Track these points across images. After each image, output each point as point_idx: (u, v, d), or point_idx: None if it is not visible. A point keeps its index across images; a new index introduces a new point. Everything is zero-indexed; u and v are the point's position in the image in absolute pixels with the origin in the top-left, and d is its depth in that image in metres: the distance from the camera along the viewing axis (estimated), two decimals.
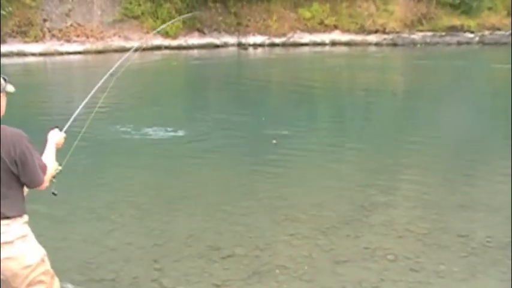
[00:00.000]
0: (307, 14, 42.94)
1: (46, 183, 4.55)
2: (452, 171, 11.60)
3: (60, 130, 5.17)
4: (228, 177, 11.10)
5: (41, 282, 4.60)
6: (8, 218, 4.38)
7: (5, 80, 4.47)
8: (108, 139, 13.63)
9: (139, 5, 40.16)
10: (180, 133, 14.60)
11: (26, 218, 4.57)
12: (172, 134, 14.49)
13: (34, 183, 4.43)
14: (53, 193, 4.92)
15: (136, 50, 7.55)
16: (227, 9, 41.79)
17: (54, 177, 4.85)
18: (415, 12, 45.37)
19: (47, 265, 4.70)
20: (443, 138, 14.52)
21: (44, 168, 4.48)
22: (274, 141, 13.33)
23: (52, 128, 5.12)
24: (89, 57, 36.00)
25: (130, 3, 39.97)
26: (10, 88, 4.50)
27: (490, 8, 47.44)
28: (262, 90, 23.33)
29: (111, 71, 6.29)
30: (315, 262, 7.10)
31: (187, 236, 7.98)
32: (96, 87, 5.68)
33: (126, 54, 6.77)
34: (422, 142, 13.65)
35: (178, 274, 6.82)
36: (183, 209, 9.18)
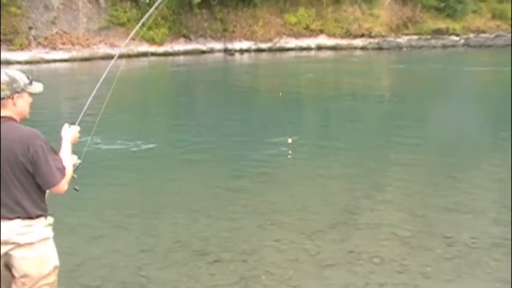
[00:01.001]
0: (293, 19, 43.10)
1: (65, 186, 4.40)
2: (437, 174, 11.63)
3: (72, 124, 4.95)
4: (213, 183, 11.07)
5: None
6: (30, 218, 4.34)
7: (28, 79, 4.48)
8: (91, 147, 13.60)
9: (125, 12, 40.20)
10: (165, 139, 14.60)
11: (50, 220, 4.53)
12: (156, 140, 14.48)
13: (48, 185, 4.31)
14: (75, 188, 4.82)
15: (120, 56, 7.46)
16: (213, 15, 41.88)
17: (73, 171, 4.72)
18: (400, 16, 45.66)
19: (55, 277, 4.63)
20: (428, 141, 14.60)
21: (61, 169, 4.35)
22: (289, 140, 13.35)
23: (62, 125, 4.91)
24: (75, 64, 35.99)
25: (116, 10, 39.99)
26: (36, 88, 4.51)
27: (474, 11, 47.82)
28: (248, 96, 23.34)
29: (106, 68, 6.08)
30: (301, 266, 7.10)
31: (173, 242, 7.96)
32: (101, 79, 5.60)
33: (113, 60, 6.66)
34: (407, 145, 13.72)
35: (164, 280, 6.80)
36: (169, 215, 9.15)
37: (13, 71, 4.46)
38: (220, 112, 19.07)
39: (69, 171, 4.45)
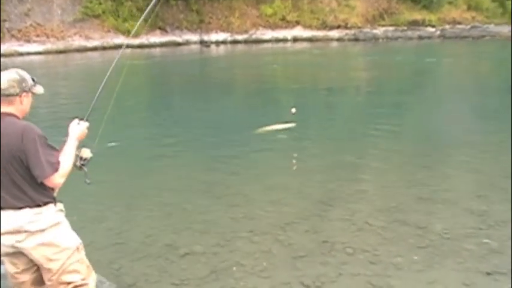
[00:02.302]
0: (269, 11, 43.06)
1: (57, 180, 4.49)
2: (411, 165, 11.68)
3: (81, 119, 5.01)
4: (186, 176, 11.03)
5: (75, 271, 4.70)
6: (38, 206, 4.49)
7: (33, 80, 4.68)
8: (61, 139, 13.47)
9: (100, 3, 39.91)
10: (138, 132, 14.51)
11: (60, 206, 4.70)
12: (129, 133, 14.38)
13: (39, 177, 4.39)
14: (86, 182, 4.91)
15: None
16: (189, 6, 41.72)
17: (84, 165, 4.88)
18: (376, 7, 45.74)
19: (82, 254, 4.82)
20: (404, 132, 14.67)
21: (53, 164, 4.43)
22: (293, 110, 13.41)
23: (72, 119, 4.98)
24: (50, 57, 35.67)
25: (91, 2, 39.69)
26: (39, 89, 4.72)
27: (450, 3, 48.02)
28: (223, 89, 23.26)
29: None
30: (273, 258, 7.11)
31: (146, 236, 7.94)
32: (108, 72, 5.56)
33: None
34: (383, 137, 13.72)
35: (137, 274, 6.79)
36: (142, 209, 9.12)
37: (22, 71, 4.66)
38: (194, 105, 18.99)
39: (65, 167, 4.54)
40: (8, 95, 4.47)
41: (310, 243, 7.56)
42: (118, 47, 37.52)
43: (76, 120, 4.93)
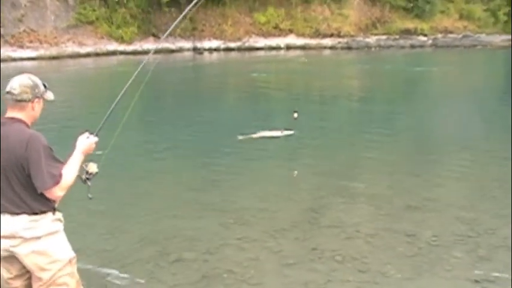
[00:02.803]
0: (262, 19, 43.13)
1: (57, 193, 4.46)
2: (401, 172, 11.74)
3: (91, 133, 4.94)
4: (178, 182, 11.06)
5: (65, 284, 4.68)
6: (35, 213, 4.47)
7: (45, 86, 4.67)
8: (57, 141, 13.47)
9: (94, 10, 39.93)
10: (130, 138, 14.50)
11: (58, 215, 4.66)
12: (121, 139, 14.36)
13: (39, 188, 4.38)
14: (88, 197, 4.94)
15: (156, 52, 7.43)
16: (184, 17, 41.66)
17: (89, 179, 4.88)
18: (369, 16, 45.91)
19: (74, 268, 4.80)
20: (394, 140, 14.72)
21: (54, 176, 4.39)
22: (295, 115, 13.40)
23: (82, 133, 4.93)
24: (43, 63, 35.62)
25: (85, 8, 39.70)
26: (50, 95, 4.71)
27: (442, 12, 48.20)
28: (215, 95, 23.30)
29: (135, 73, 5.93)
30: (262, 265, 7.12)
31: (136, 242, 7.94)
32: (124, 89, 5.51)
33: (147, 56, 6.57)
34: (373, 145, 13.75)
35: (127, 280, 6.78)
36: (133, 214, 9.12)
37: (34, 77, 4.65)
38: (186, 111, 19.03)
39: (67, 180, 4.49)
40: (20, 101, 4.46)
41: (300, 250, 7.58)
42: (111, 53, 37.62)
43: (86, 134, 4.89)
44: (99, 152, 5.20)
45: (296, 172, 11.52)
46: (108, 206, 9.59)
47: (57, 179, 4.40)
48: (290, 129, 13.85)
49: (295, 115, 13.31)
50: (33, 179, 4.36)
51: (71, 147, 4.76)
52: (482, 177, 11.31)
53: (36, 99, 4.53)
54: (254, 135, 14.10)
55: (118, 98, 5.32)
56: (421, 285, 6.64)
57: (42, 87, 4.60)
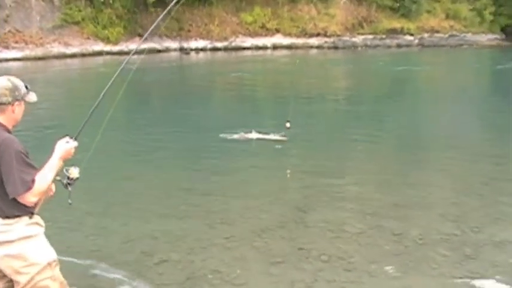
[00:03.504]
0: (249, 18, 43.13)
1: (29, 199, 4.37)
2: (388, 171, 11.74)
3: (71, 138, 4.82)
4: (164, 182, 10.99)
5: (46, 287, 4.62)
6: (8, 217, 4.42)
7: (27, 88, 4.60)
8: (39, 143, 13.39)
9: (80, 10, 39.79)
10: (116, 137, 14.43)
11: (36, 219, 4.61)
12: (105, 139, 14.28)
13: (10, 194, 4.32)
14: (69, 203, 4.92)
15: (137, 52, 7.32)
16: (168, 13, 41.58)
17: (70, 184, 4.81)
18: (355, 15, 46.03)
19: (56, 271, 4.74)
20: (380, 139, 14.74)
21: (26, 182, 4.32)
22: (287, 125, 13.29)
23: (62, 137, 4.80)
24: (28, 63, 35.44)
25: (70, 9, 39.56)
26: (32, 97, 4.64)
27: (429, 11, 48.45)
28: (202, 95, 23.23)
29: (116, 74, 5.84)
30: (248, 264, 7.09)
31: (122, 242, 7.90)
32: (104, 91, 5.41)
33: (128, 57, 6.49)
34: (360, 144, 13.78)
35: (111, 280, 6.73)
36: (119, 215, 9.05)
37: (15, 79, 4.58)
38: (173, 110, 18.99)
39: (40, 186, 4.40)
40: (0, 104, 4.40)
41: (286, 249, 7.55)
42: (97, 54, 37.49)
43: (66, 138, 4.78)
44: (82, 154, 5.13)
45: (289, 171, 11.51)
46: (94, 206, 9.53)
47: (29, 185, 4.33)
48: (284, 136, 13.64)
49: (288, 125, 13.21)
50: (5, 184, 4.31)
51: (52, 151, 4.68)
52: (469, 175, 11.35)
53: (17, 102, 4.47)
54: (247, 136, 14.11)
55: (99, 99, 5.25)
56: (407, 284, 6.63)
57: (23, 90, 4.53)
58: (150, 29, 7.20)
